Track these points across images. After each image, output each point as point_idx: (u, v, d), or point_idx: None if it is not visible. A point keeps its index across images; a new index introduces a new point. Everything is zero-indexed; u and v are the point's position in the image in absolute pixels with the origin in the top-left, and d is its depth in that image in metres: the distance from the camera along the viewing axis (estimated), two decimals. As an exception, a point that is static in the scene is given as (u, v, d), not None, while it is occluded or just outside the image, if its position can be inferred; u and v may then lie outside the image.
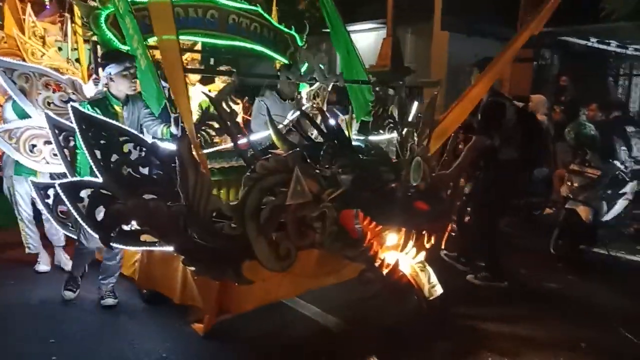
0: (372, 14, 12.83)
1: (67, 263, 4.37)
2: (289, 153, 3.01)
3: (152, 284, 3.55)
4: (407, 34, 13.38)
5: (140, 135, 2.99)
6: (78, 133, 2.94)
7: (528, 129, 4.05)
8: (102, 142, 2.94)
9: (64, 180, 2.99)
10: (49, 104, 3.73)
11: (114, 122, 2.98)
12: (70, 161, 3.57)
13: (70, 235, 3.71)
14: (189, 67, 4.68)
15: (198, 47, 5.73)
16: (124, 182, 2.94)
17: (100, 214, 2.94)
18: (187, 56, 6.45)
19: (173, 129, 3.16)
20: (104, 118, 2.98)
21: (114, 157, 2.95)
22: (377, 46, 11.17)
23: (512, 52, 3.65)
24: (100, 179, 2.91)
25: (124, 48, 3.91)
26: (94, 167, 2.92)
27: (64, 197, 2.96)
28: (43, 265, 4.37)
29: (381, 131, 4.17)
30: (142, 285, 3.68)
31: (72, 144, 3.59)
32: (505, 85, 9.29)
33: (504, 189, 4.04)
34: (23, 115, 3.87)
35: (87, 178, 2.99)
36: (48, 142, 3.76)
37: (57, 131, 3.55)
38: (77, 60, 6.04)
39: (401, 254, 3.09)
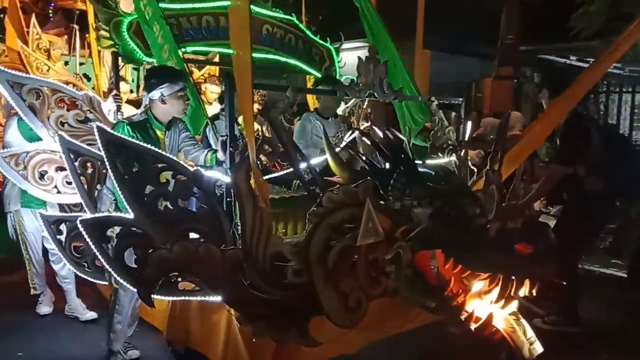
0: (357, 33, 12.68)
1: (83, 312, 3.87)
2: (359, 183, 2.52)
3: (185, 339, 3.01)
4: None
5: (181, 162, 2.48)
6: (105, 159, 2.44)
7: (615, 154, 3.59)
8: (134, 170, 2.45)
9: (87, 217, 2.48)
10: (62, 124, 3.24)
11: (148, 146, 2.48)
12: (88, 191, 3.07)
13: (87, 277, 3.18)
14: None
15: (216, 59, 5.29)
16: (160, 218, 2.45)
17: (131, 257, 2.45)
18: (205, 70, 6.03)
19: (220, 155, 2.67)
20: (136, 141, 2.49)
21: (149, 189, 2.46)
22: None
23: (600, 72, 3.26)
24: (131, 215, 2.42)
25: (149, 60, 3.46)
26: (124, 200, 2.43)
27: (87, 238, 2.46)
28: (45, 307, 3.85)
29: (440, 154, 3.70)
30: (172, 340, 3.13)
31: (90, 170, 3.09)
32: (486, 102, 9.29)
33: (590, 224, 3.57)
34: (30, 137, 3.38)
35: (116, 214, 2.48)
36: (61, 169, 3.26)
37: (72, 156, 3.06)
38: (85, 75, 5.59)
39: (493, 305, 2.60)
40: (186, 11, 3.62)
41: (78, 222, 2.47)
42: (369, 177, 2.79)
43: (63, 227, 3.16)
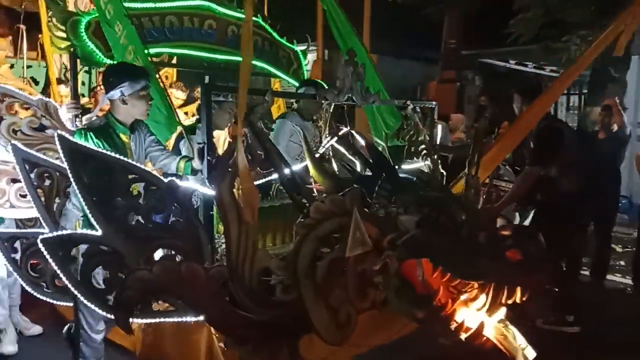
0: (304, 36, 12.81)
1: (26, 327, 3.65)
2: (346, 192, 2.40)
3: (160, 362, 2.79)
4: (340, 56, 13.29)
5: (153, 172, 2.28)
6: (69, 171, 2.22)
7: (586, 153, 3.63)
8: (102, 182, 2.24)
9: (48, 235, 2.24)
10: (15, 132, 2.96)
11: (116, 155, 2.27)
12: (45, 205, 2.81)
13: (46, 298, 2.91)
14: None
15: (174, 61, 5.04)
16: (131, 234, 2.25)
17: (98, 277, 2.25)
18: (162, 72, 5.76)
19: (196, 163, 2.47)
20: (102, 150, 2.27)
21: (118, 202, 2.25)
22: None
23: (571, 79, 3.32)
24: (98, 231, 2.21)
25: (110, 62, 3.22)
26: (90, 215, 2.21)
27: (49, 258, 2.22)
28: (9, 346, 3.49)
29: (415, 158, 3.62)
30: (146, 363, 2.91)
31: (47, 182, 2.83)
32: (431, 105, 9.91)
33: (566, 224, 3.58)
34: None
35: (81, 231, 2.26)
36: (14, 181, 2.97)
37: (27, 167, 2.79)
38: (33, 79, 5.23)
39: (482, 313, 2.53)
40: (148, 11, 3.40)
41: (38, 240, 2.24)
42: (353, 185, 2.69)
43: (18, 244, 2.91)
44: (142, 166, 2.31)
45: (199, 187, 2.38)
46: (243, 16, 4.20)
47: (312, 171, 2.73)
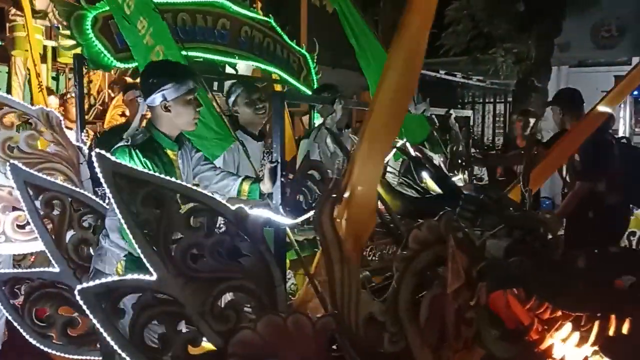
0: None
1: None
2: (440, 216, 2.06)
3: None
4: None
5: (217, 198, 1.85)
6: (113, 201, 1.77)
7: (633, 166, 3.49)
8: (154, 213, 1.80)
9: (91, 284, 1.76)
10: (10, 149, 2.42)
11: (171, 179, 1.83)
12: (55, 239, 2.31)
13: (55, 352, 2.39)
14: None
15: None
16: (193, 277, 1.82)
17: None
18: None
19: (266, 186, 2.05)
20: (157, 174, 1.82)
21: (176, 237, 1.82)
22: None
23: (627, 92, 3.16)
24: (153, 276, 1.76)
25: (120, 65, 2.74)
26: (142, 255, 1.76)
27: (90, 312, 1.75)
28: None
29: (456, 172, 3.34)
30: None
31: (57, 211, 2.32)
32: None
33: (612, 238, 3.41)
34: None
35: (132, 276, 1.79)
36: (12, 208, 2.44)
37: (31, 191, 2.28)
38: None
39: (585, 348, 2.26)
40: (161, 6, 2.92)
41: (76, 292, 1.76)
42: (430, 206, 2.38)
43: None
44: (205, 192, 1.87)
45: (271, 215, 1.96)
46: (257, 16, 3.84)
47: (380, 189, 2.38)
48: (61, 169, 2.57)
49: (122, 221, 1.78)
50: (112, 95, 5.30)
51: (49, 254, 2.34)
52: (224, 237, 1.88)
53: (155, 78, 2.13)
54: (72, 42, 2.59)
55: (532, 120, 4.81)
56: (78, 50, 2.63)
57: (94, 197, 2.38)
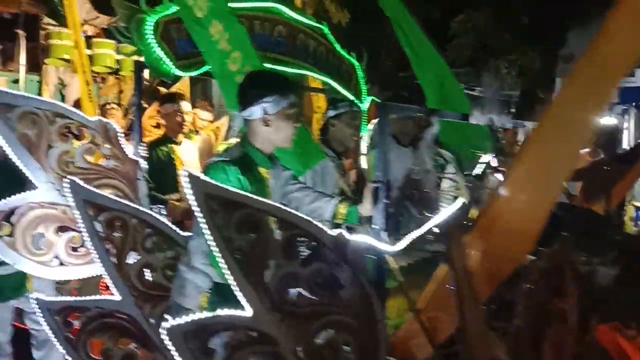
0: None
1: None
2: (558, 243, 1.84)
3: None
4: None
5: (316, 223, 1.64)
6: (206, 225, 1.57)
7: None
8: (252, 240, 1.60)
9: (180, 322, 1.55)
10: (66, 163, 2.22)
11: (269, 202, 1.63)
12: (117, 264, 2.10)
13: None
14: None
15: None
16: (289, 312, 1.61)
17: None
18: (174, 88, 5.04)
19: (366, 208, 1.83)
20: (252, 196, 1.62)
21: (273, 266, 1.61)
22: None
23: None
24: (248, 311, 1.56)
25: (181, 74, 2.56)
26: (237, 288, 1.56)
27: (177, 352, 1.54)
28: None
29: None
30: None
31: (118, 233, 2.12)
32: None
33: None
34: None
35: (225, 312, 1.58)
36: (64, 229, 2.24)
37: (91, 211, 2.08)
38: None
39: None
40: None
41: (164, 330, 1.54)
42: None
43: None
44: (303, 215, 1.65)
45: (374, 242, 1.75)
46: (312, 23, 3.66)
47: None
48: (118, 185, 2.37)
49: (215, 248, 1.57)
50: (145, 105, 5.13)
51: (108, 280, 2.13)
52: (322, 266, 1.67)
53: (256, 89, 1.94)
54: (133, 48, 2.41)
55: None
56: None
57: (160, 217, 2.17)
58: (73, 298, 2.18)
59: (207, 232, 1.57)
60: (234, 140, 3.88)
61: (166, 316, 2.09)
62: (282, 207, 1.63)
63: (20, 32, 4.28)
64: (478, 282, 1.45)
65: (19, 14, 4.49)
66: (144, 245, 2.15)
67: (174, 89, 5.06)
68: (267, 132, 1.96)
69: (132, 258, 2.14)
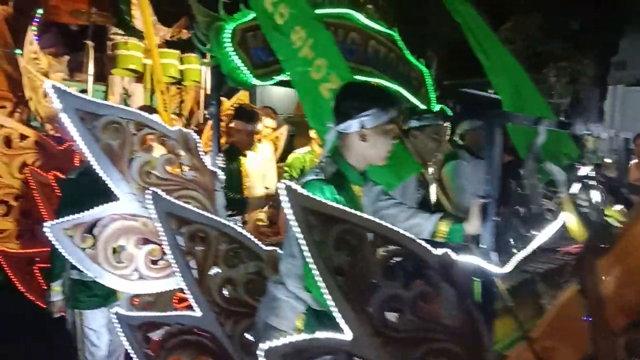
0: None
1: None
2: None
3: None
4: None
5: (421, 242, 1.52)
6: (305, 241, 1.48)
7: None
8: (352, 258, 1.50)
9: (278, 344, 1.46)
10: (147, 174, 2.18)
11: (367, 216, 1.52)
12: (199, 279, 2.04)
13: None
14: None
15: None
16: (391, 336, 1.50)
17: None
18: (235, 100, 5.04)
19: (473, 226, 1.71)
20: (353, 211, 1.51)
21: (376, 288, 1.51)
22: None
23: None
24: (347, 334, 1.45)
25: (258, 83, 2.50)
26: (335, 310, 1.46)
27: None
28: None
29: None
30: None
31: (200, 247, 2.07)
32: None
33: None
34: (82, 197, 2.31)
35: (325, 335, 1.48)
36: (145, 241, 2.20)
37: (174, 224, 2.03)
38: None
39: None
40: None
41: (261, 353, 1.46)
42: None
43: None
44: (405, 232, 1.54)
45: (482, 263, 1.62)
46: (384, 30, 3.57)
47: (571, 223, 1.98)
48: (197, 197, 2.32)
49: (312, 266, 1.48)
50: (207, 116, 5.16)
51: (189, 295, 2.07)
52: (427, 289, 1.55)
53: (355, 102, 1.82)
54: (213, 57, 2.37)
55: None
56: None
57: (243, 230, 2.11)
58: (153, 313, 2.13)
59: (305, 248, 1.49)
60: (302, 151, 3.83)
61: (250, 336, 2.05)
62: (384, 223, 1.52)
63: (89, 43, 4.38)
64: (613, 312, 1.30)
65: (88, 25, 4.60)
66: (226, 260, 2.09)
67: (234, 99, 5.08)
68: (362, 148, 1.83)
69: (213, 272, 2.09)
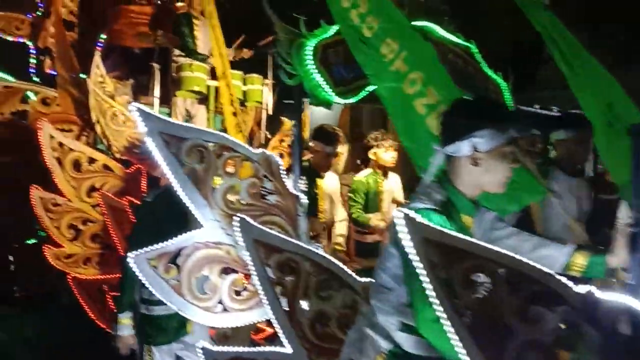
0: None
1: None
2: None
3: None
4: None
5: (558, 278, 1.32)
6: (427, 275, 1.31)
7: None
8: (477, 295, 1.32)
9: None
10: (230, 200, 2.07)
11: (501, 250, 1.33)
12: (289, 312, 1.90)
13: None
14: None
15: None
16: None
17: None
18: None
19: (617, 258, 1.50)
20: (485, 244, 1.33)
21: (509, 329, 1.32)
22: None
23: None
24: None
25: (341, 101, 2.37)
26: (462, 348, 1.28)
27: None
28: None
29: None
30: None
31: (290, 277, 1.92)
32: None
33: None
34: (157, 221, 2.23)
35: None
36: (229, 271, 2.08)
37: (263, 254, 1.90)
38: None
39: None
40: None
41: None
42: None
43: None
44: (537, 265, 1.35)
45: (633, 302, 1.41)
46: (461, 42, 3.40)
47: None
48: (279, 222, 2.19)
49: (435, 300, 1.31)
50: (269, 136, 5.10)
51: (279, 330, 1.93)
52: (571, 333, 1.34)
53: (465, 121, 1.62)
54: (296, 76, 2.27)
55: None
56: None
57: (336, 260, 1.95)
58: (242, 349, 2.00)
59: (430, 289, 1.31)
60: (364, 175, 3.68)
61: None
62: (517, 257, 1.33)
63: (155, 66, 4.39)
64: None
65: (151, 48, 4.63)
66: (317, 293, 1.94)
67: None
68: (475, 173, 1.63)
69: (304, 305, 1.94)
